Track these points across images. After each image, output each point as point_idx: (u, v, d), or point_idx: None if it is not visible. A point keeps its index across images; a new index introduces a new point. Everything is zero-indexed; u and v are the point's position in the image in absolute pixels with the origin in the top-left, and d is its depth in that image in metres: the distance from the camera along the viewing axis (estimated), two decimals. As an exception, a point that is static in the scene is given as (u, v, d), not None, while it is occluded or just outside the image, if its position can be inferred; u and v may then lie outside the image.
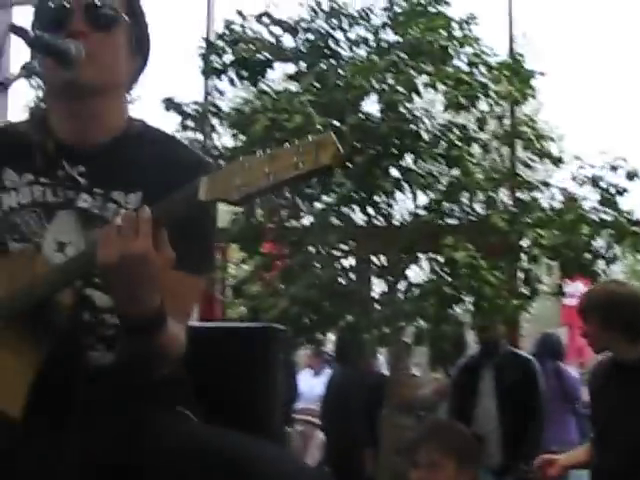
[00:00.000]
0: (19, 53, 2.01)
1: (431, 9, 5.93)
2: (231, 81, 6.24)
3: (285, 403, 7.36)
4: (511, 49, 7.82)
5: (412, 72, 5.75)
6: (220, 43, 6.20)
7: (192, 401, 2.11)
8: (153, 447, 1.86)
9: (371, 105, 5.89)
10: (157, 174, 1.82)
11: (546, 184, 6.13)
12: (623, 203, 5.83)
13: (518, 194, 6.11)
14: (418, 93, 5.81)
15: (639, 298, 4.09)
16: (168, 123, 6.15)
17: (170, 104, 6.17)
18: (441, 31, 5.79)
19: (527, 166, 6.11)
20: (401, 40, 5.92)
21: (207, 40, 6.46)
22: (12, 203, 2.04)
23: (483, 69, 5.90)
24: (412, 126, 5.76)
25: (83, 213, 2.00)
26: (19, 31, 1.93)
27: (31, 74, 1.94)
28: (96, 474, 1.87)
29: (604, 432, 4.07)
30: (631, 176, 5.81)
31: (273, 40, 6.21)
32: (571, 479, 7.42)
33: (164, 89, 6.08)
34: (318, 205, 6.04)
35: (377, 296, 6.10)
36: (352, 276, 6.07)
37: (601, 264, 5.78)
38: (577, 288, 9.81)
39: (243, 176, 1.55)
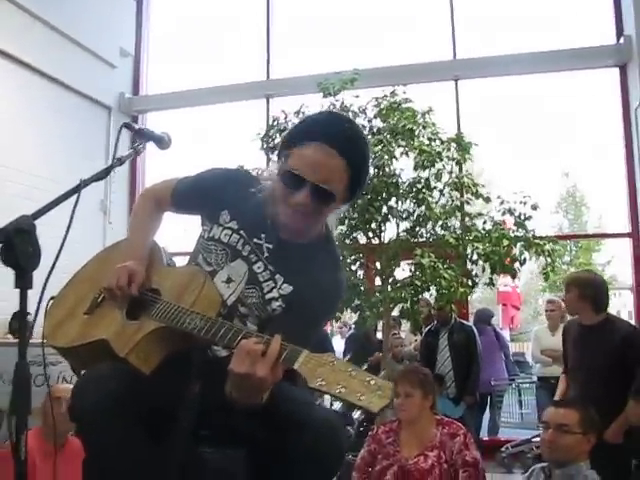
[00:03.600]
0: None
1: (403, 105, 6.10)
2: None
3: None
4: (459, 127, 8.06)
5: (393, 145, 5.94)
6: (272, 131, 6.42)
7: None
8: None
9: None
10: (311, 279, 1.75)
11: (480, 214, 6.27)
12: (529, 225, 5.97)
13: (464, 222, 6.25)
14: (395, 158, 6.00)
15: (604, 283, 4.24)
16: None
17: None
18: (410, 120, 5.96)
19: (468, 203, 6.24)
20: (385, 125, 6.10)
21: (266, 130, 6.60)
22: (215, 235, 2.06)
23: (438, 142, 6.05)
24: (394, 180, 5.93)
25: (253, 274, 1.99)
26: (129, 126, 2.13)
27: (138, 153, 2.11)
28: (203, 417, 1.92)
29: (573, 371, 4.23)
30: (534, 207, 5.96)
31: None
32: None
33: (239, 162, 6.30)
34: (337, 231, 5.99)
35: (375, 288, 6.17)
36: (360, 275, 6.24)
37: (517, 265, 5.93)
38: (505, 281, 10.12)
39: (326, 376, 1.46)
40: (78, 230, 2.30)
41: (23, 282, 1.57)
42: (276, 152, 6.19)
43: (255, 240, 2.04)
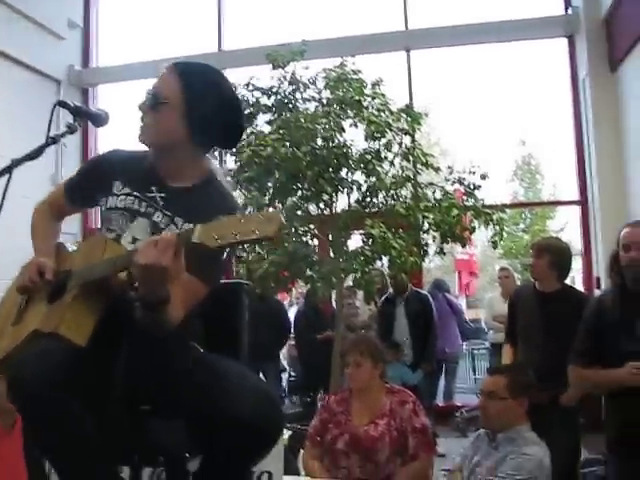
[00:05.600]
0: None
1: (352, 76, 6.13)
2: None
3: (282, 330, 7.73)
4: (411, 98, 8.11)
5: (341, 117, 6.02)
6: None
7: (198, 336, 2.22)
8: (171, 370, 2.00)
9: (319, 140, 6.02)
10: (207, 214, 1.75)
11: (431, 184, 6.34)
12: (480, 194, 6.11)
13: (415, 192, 6.30)
14: (343, 129, 6.05)
15: (571, 252, 4.21)
16: None
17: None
18: (358, 91, 6.03)
19: (418, 174, 6.29)
20: (333, 97, 6.13)
21: None
22: (112, 204, 2.12)
23: (387, 113, 6.12)
24: (344, 151, 5.97)
25: (154, 224, 2.07)
26: (64, 104, 2.11)
27: (72, 131, 2.10)
28: (136, 386, 1.99)
29: (526, 337, 4.15)
30: (483, 177, 6.07)
31: (255, 100, 6.39)
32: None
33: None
34: (289, 202, 6.23)
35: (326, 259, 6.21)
36: (311, 247, 6.28)
37: (466, 234, 6.05)
38: (462, 250, 10.24)
39: (220, 232, 1.62)
40: (29, 206, 2.37)
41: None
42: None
43: (148, 195, 2.12)
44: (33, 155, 2.01)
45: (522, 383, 3.30)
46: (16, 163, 1.95)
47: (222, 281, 2.30)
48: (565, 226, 16.97)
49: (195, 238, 1.65)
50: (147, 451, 2.17)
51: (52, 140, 2.04)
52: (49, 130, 2.13)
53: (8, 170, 1.89)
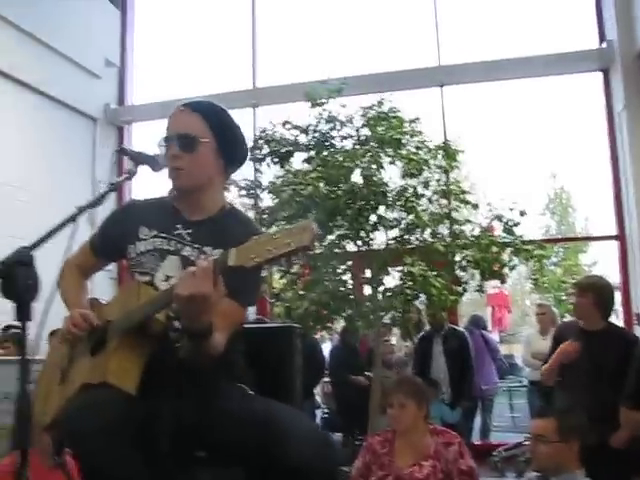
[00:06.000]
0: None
1: (390, 114, 6.14)
2: (268, 165, 6.46)
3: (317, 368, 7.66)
4: (444, 132, 8.12)
5: (381, 155, 5.98)
6: (260, 141, 6.44)
7: (246, 379, 2.22)
8: (220, 409, 1.99)
9: (356, 177, 6.02)
10: (234, 237, 1.78)
11: (469, 221, 6.29)
12: (518, 231, 6.04)
13: (452, 229, 6.25)
14: (382, 168, 6.03)
15: (613, 290, 4.13)
16: (229, 194, 6.32)
17: (231, 181, 6.30)
18: (397, 129, 6.01)
19: (456, 211, 6.28)
20: (372, 135, 6.13)
21: (254, 140, 6.55)
22: (142, 249, 2.17)
23: (425, 151, 6.10)
24: (382, 189, 5.95)
25: (185, 259, 2.12)
26: (124, 150, 2.20)
27: (131, 177, 2.10)
28: (180, 427, 1.98)
29: (573, 377, 4.03)
30: (522, 214, 6.03)
31: (292, 138, 6.40)
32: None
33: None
34: (326, 241, 6.17)
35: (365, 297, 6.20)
36: (349, 285, 6.20)
37: (506, 270, 6.01)
38: (493, 284, 10.13)
39: (256, 251, 1.62)
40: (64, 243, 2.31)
41: (23, 314, 1.57)
42: (264, 163, 6.12)
43: (174, 233, 2.18)
44: (97, 202, 2.02)
45: (572, 425, 3.19)
46: (81, 210, 1.95)
47: (274, 324, 2.29)
48: (598, 260, 16.80)
49: (231, 261, 1.67)
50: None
51: (113, 186, 2.06)
52: (112, 176, 2.18)
53: (73, 218, 1.90)
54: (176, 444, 1.98)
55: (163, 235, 2.18)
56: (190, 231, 2.17)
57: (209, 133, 2.16)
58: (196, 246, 2.14)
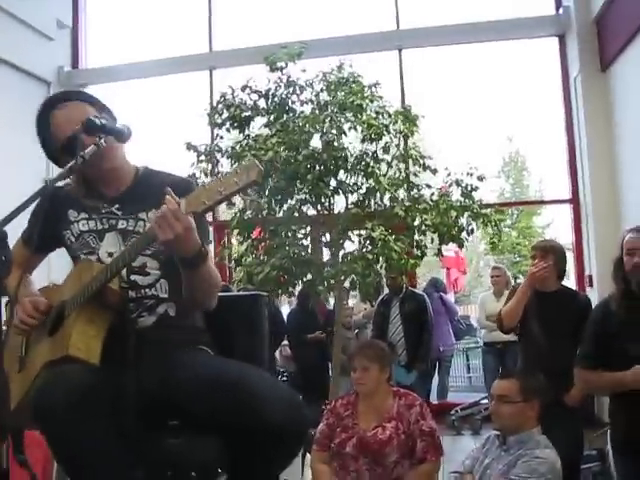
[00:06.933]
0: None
1: (351, 80, 6.15)
2: (227, 130, 6.41)
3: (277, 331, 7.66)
4: (403, 101, 8.11)
5: (341, 120, 6.00)
6: (219, 106, 6.37)
7: (211, 344, 2.25)
8: (185, 373, 2.00)
9: (317, 142, 6.05)
10: (162, 193, 1.83)
11: (428, 186, 6.37)
12: (476, 196, 6.14)
13: (411, 193, 6.34)
14: (344, 133, 6.08)
15: (565, 252, 4.26)
16: (188, 159, 6.36)
17: (190, 146, 6.32)
18: (357, 94, 6.01)
19: (415, 175, 6.38)
20: (332, 100, 6.14)
21: (211, 105, 6.58)
22: (77, 231, 2.21)
23: (385, 116, 6.13)
24: (342, 154, 5.97)
25: (123, 231, 2.17)
26: (92, 122, 2.07)
27: (100, 148, 2.04)
28: (147, 397, 2.00)
29: (528, 337, 4.16)
30: (480, 178, 6.12)
31: (252, 102, 6.36)
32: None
33: (186, 137, 6.23)
34: (286, 205, 6.21)
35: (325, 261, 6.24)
36: (309, 250, 6.23)
37: (464, 234, 6.07)
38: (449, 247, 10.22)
39: (205, 195, 1.72)
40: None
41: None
42: (224, 128, 6.05)
43: (103, 212, 2.23)
44: (65, 174, 2.03)
45: (534, 387, 3.36)
46: (51, 184, 1.96)
47: (242, 293, 2.31)
48: (551, 223, 17.11)
49: (183, 210, 1.75)
50: (175, 468, 2.15)
51: (82, 159, 2.01)
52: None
53: (43, 192, 1.91)
54: (145, 414, 1.99)
55: (93, 216, 2.23)
56: (118, 205, 2.22)
57: (93, 110, 2.23)
58: (131, 217, 2.20)
